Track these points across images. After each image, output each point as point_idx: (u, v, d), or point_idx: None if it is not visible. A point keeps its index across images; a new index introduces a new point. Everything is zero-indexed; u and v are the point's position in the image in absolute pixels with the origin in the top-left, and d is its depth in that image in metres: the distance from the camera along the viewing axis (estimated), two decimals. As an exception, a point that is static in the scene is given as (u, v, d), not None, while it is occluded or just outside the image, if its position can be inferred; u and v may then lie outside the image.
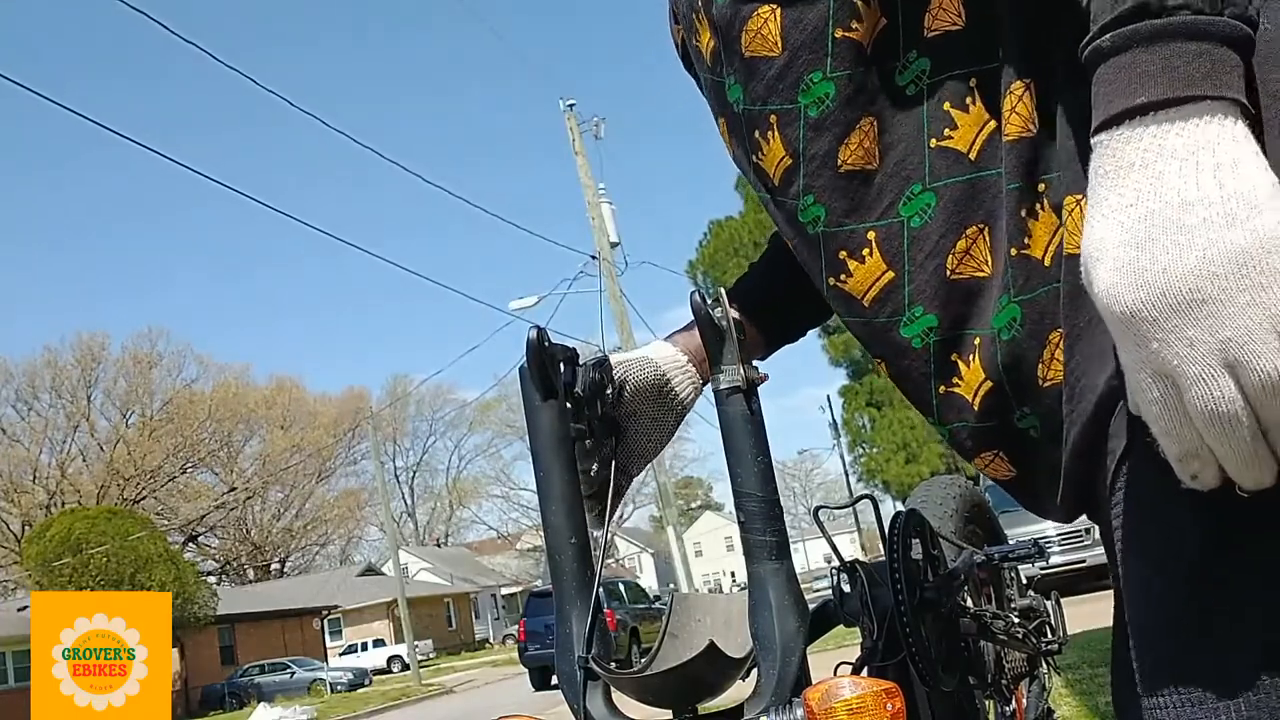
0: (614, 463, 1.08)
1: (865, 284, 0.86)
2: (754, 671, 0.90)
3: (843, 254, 0.87)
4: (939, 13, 0.79)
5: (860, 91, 0.82)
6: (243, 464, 56.65)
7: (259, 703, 24.51)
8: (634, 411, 1.12)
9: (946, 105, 0.80)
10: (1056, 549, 10.33)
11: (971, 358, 0.83)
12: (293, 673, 33.99)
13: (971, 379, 0.83)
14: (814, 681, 0.86)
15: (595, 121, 19.82)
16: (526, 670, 18.85)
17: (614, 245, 18.36)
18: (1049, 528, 10.19)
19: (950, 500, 1.50)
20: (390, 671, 39.94)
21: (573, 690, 0.95)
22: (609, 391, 1.08)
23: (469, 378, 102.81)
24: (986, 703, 1.36)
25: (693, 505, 78.09)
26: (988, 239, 0.80)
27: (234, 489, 54.46)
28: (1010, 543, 1.40)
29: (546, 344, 1.01)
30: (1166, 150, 0.57)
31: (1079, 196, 0.69)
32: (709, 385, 1.00)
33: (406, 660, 32.73)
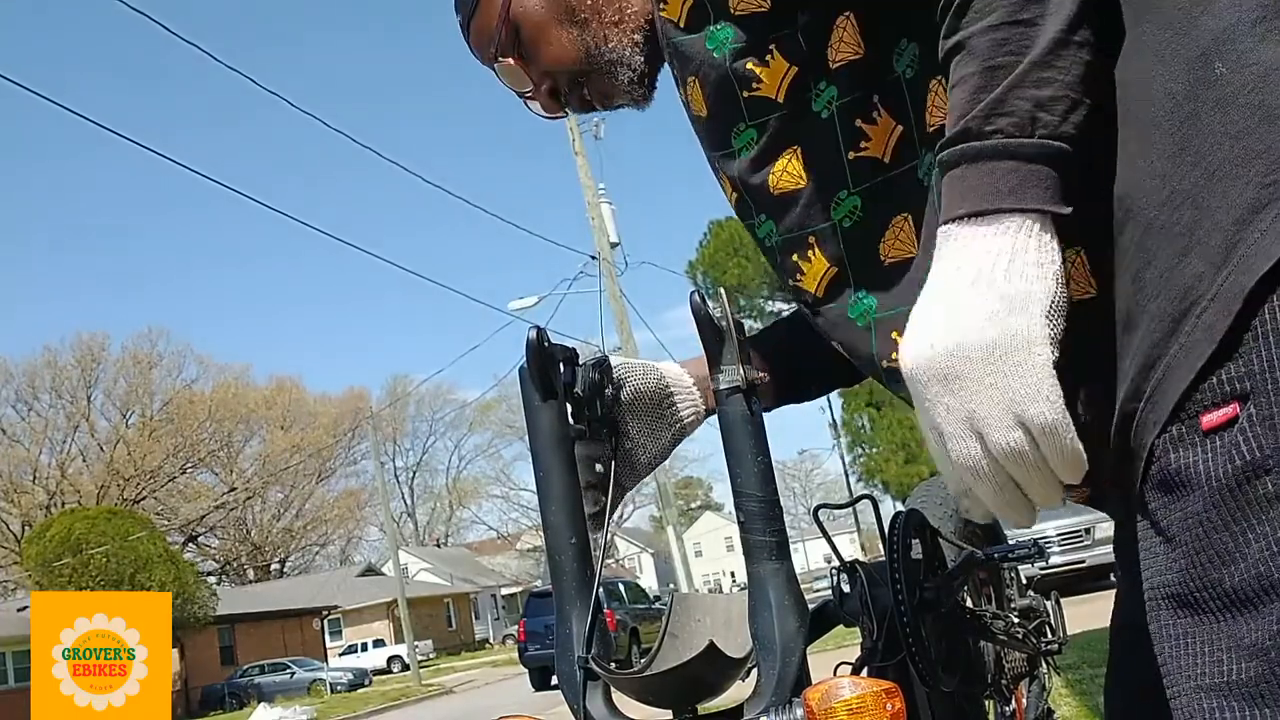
0: (614, 462, 1.08)
1: None
2: (754, 671, 0.90)
3: (895, 334, 0.93)
4: (934, 110, 0.88)
5: (883, 196, 0.91)
6: (243, 464, 56.62)
7: (259, 703, 24.49)
8: (629, 415, 1.12)
9: None
10: (1056, 549, 10.32)
11: None
12: (293, 673, 33.97)
13: None
14: (814, 681, 0.86)
15: (595, 122, 19.81)
16: (526, 670, 18.83)
17: (614, 245, 18.34)
18: (1049, 528, 10.19)
19: (950, 500, 1.50)
20: (390, 672, 39.91)
21: (573, 690, 0.95)
22: (608, 391, 1.08)
23: (469, 378, 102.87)
24: (986, 703, 1.36)
25: (693, 505, 78.03)
26: None
27: (234, 489, 54.42)
28: (1010, 543, 1.40)
29: (546, 344, 1.01)
30: (967, 253, 0.71)
31: (1077, 249, 0.77)
32: (710, 416, 1.04)
33: (406, 660, 32.71)
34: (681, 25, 0.95)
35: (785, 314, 1.24)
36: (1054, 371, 0.68)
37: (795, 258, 0.98)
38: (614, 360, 1.14)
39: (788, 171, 0.95)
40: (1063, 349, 0.70)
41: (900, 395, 0.96)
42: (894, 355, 0.92)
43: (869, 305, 0.95)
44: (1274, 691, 0.65)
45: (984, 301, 0.69)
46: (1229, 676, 0.67)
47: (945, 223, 0.72)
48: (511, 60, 1.07)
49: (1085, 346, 0.76)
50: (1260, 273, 0.66)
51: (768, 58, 0.91)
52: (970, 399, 0.69)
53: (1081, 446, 0.70)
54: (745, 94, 0.94)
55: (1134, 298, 0.73)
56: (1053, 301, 0.69)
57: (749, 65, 0.92)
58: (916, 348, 0.72)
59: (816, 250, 0.97)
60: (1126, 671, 0.99)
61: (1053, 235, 0.70)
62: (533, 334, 1.00)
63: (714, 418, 1.08)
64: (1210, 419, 0.68)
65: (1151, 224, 0.71)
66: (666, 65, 1.03)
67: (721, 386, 0.95)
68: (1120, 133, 0.74)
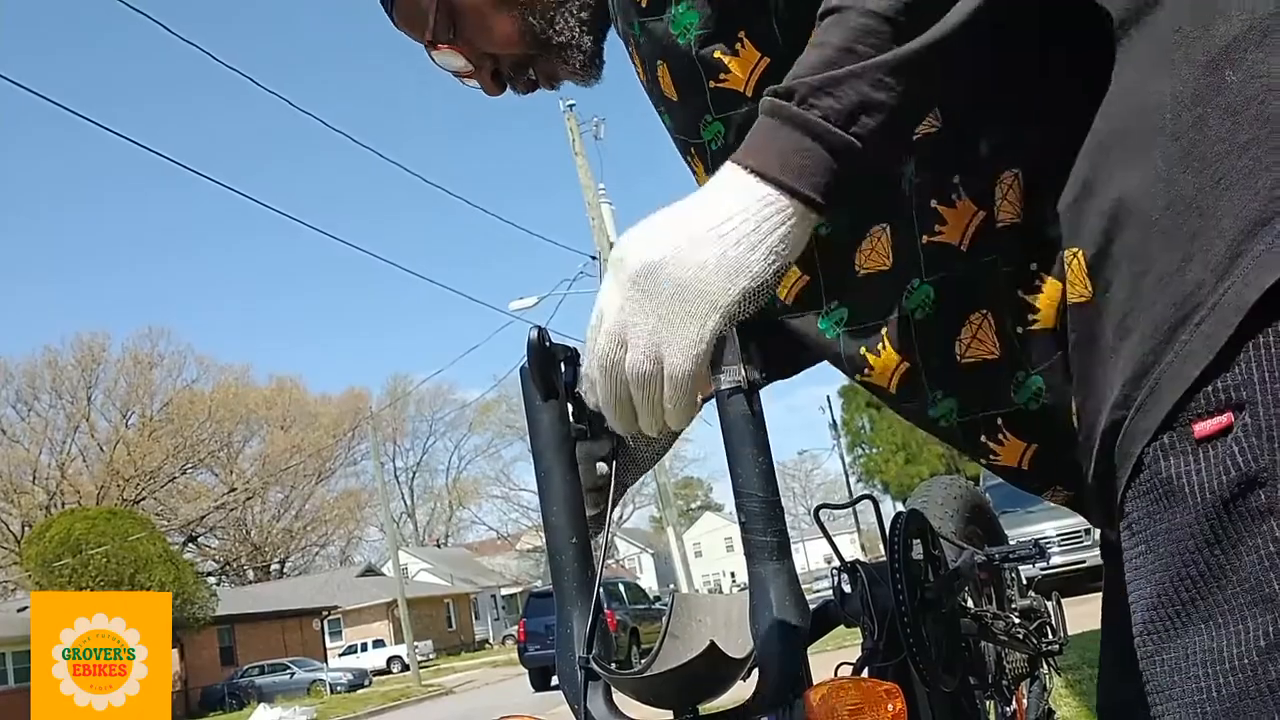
0: (614, 462, 1.08)
1: (1013, 457, 0.91)
2: (754, 672, 0.90)
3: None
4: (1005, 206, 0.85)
5: (959, 287, 0.88)
6: (243, 464, 56.63)
7: (259, 703, 24.50)
8: None
9: (934, 203, 0.87)
10: (1056, 549, 10.32)
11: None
12: (292, 673, 33.97)
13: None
14: (814, 681, 0.86)
15: (595, 122, 19.81)
16: (526, 671, 18.83)
17: (614, 245, 18.32)
18: (1049, 528, 10.20)
19: (951, 500, 1.50)
20: (390, 672, 39.91)
21: (573, 691, 0.95)
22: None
23: (469, 378, 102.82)
24: (987, 703, 1.36)
25: (693, 506, 78.04)
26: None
27: (234, 489, 54.42)
28: (1010, 543, 1.40)
29: (547, 344, 1.01)
30: (731, 199, 0.73)
31: (1075, 250, 0.76)
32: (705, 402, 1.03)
33: (406, 661, 32.71)
34: (644, 6, 0.91)
35: None
36: (713, 341, 0.74)
37: (863, 350, 0.96)
38: None
39: (877, 251, 0.91)
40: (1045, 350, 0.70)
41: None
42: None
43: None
44: (1255, 707, 0.64)
45: (707, 250, 0.72)
46: (1211, 691, 0.66)
47: (736, 160, 0.74)
48: (448, 47, 1.02)
49: (1079, 349, 0.75)
50: (1265, 286, 0.64)
51: (737, 46, 0.88)
52: (639, 313, 0.74)
53: (694, 410, 0.77)
54: (712, 84, 0.90)
55: (1130, 302, 0.71)
56: (760, 287, 0.73)
57: (716, 54, 0.88)
58: (643, 243, 0.75)
59: (885, 343, 0.94)
60: (1114, 677, 1.00)
61: (805, 229, 0.73)
62: (534, 334, 1.00)
63: (715, 417, 1.08)
64: (1203, 427, 0.66)
65: (1152, 228, 0.70)
66: (622, 44, 0.99)
67: (722, 386, 0.95)
68: (1116, 138, 0.74)
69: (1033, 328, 0.84)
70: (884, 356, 0.92)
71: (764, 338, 1.13)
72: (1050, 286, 0.82)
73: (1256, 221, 0.65)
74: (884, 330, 0.91)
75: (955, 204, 0.85)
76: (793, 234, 0.72)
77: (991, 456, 0.91)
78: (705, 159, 0.97)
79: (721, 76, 0.89)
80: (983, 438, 0.90)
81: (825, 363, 1.09)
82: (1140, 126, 0.72)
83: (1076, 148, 0.76)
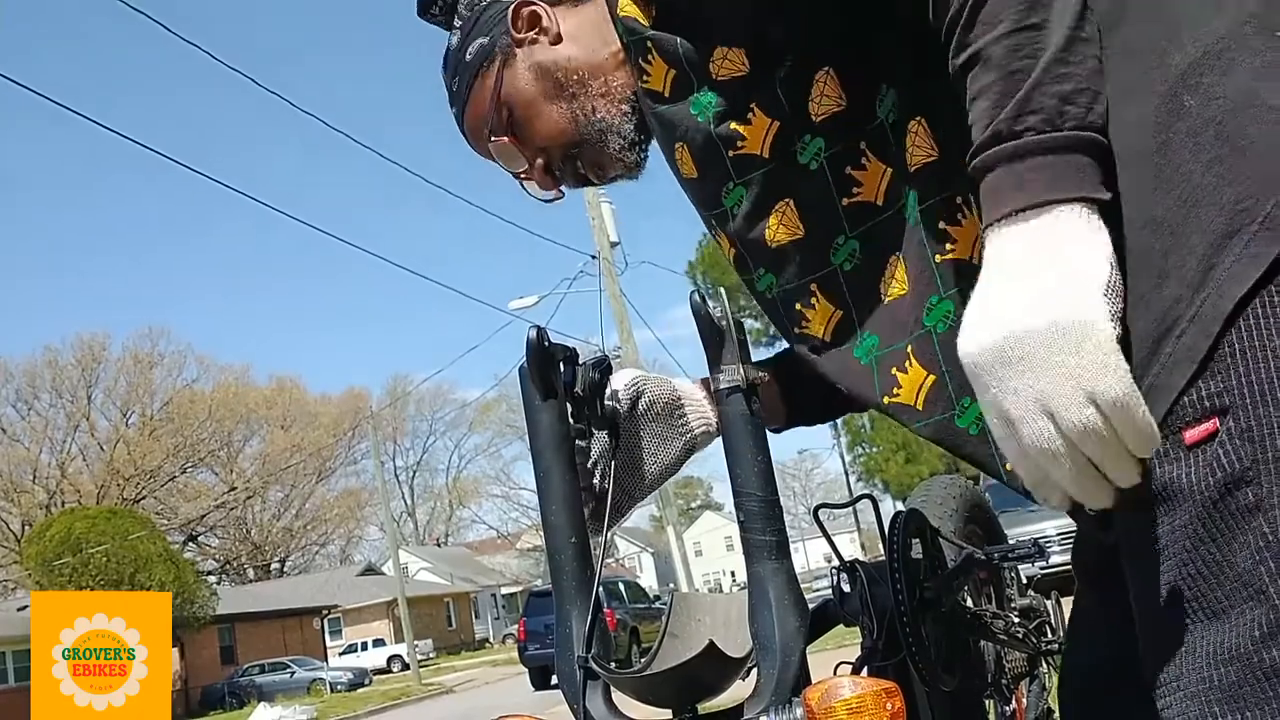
0: (614, 462, 1.08)
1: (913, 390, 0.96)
2: (754, 671, 0.90)
3: (894, 370, 0.96)
4: (914, 150, 0.90)
5: (881, 236, 0.94)
6: (243, 464, 56.62)
7: (259, 703, 24.50)
8: (644, 425, 1.14)
9: (941, 224, 0.90)
10: (1056, 549, 10.30)
11: None
12: (293, 672, 33.97)
13: None
14: (814, 681, 0.86)
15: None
16: (526, 670, 18.83)
17: (614, 245, 18.32)
18: (1049, 527, 10.19)
19: (950, 500, 1.50)
20: (390, 671, 39.92)
21: (572, 690, 0.95)
22: (610, 394, 1.08)
23: (469, 378, 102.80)
24: (986, 703, 1.36)
25: (693, 505, 78.04)
26: None
27: (234, 489, 54.41)
28: (1010, 542, 1.40)
29: (546, 344, 1.01)
30: (1018, 242, 0.71)
31: None
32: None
33: (406, 660, 32.73)
34: (666, 95, 0.99)
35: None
36: (1118, 347, 0.68)
37: (799, 306, 1.01)
38: (631, 372, 1.15)
39: (783, 225, 0.98)
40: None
41: (911, 429, 0.99)
42: (895, 390, 0.97)
43: (872, 343, 0.98)
44: (1253, 694, 0.68)
45: (1041, 282, 0.69)
46: (1213, 681, 0.70)
47: (988, 226, 0.73)
48: (506, 139, 1.11)
49: None
50: (1236, 297, 0.70)
51: (749, 116, 0.95)
52: (1038, 379, 0.68)
53: (1153, 419, 0.68)
54: (730, 153, 0.97)
55: None
56: (1109, 281, 0.69)
57: (732, 126, 0.96)
58: (976, 336, 0.72)
59: (819, 296, 1.00)
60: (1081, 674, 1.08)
61: (1099, 220, 0.71)
62: (533, 333, 1.01)
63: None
64: (1192, 434, 0.71)
65: (1130, 250, 0.74)
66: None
67: (721, 386, 0.95)
68: None
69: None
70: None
71: (792, 389, 1.17)
72: None
73: (1224, 235, 0.70)
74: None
75: (962, 223, 0.89)
76: (1093, 225, 0.71)
77: None
78: (728, 225, 1.02)
79: (739, 144, 0.96)
80: None
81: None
82: (1114, 150, 0.76)
83: None
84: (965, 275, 0.88)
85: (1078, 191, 0.71)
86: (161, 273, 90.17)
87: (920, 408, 0.96)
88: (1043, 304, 0.68)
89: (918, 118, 0.89)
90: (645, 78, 1.01)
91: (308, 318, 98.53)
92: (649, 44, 0.98)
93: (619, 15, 1.00)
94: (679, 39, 0.96)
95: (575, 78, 1.06)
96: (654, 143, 1.08)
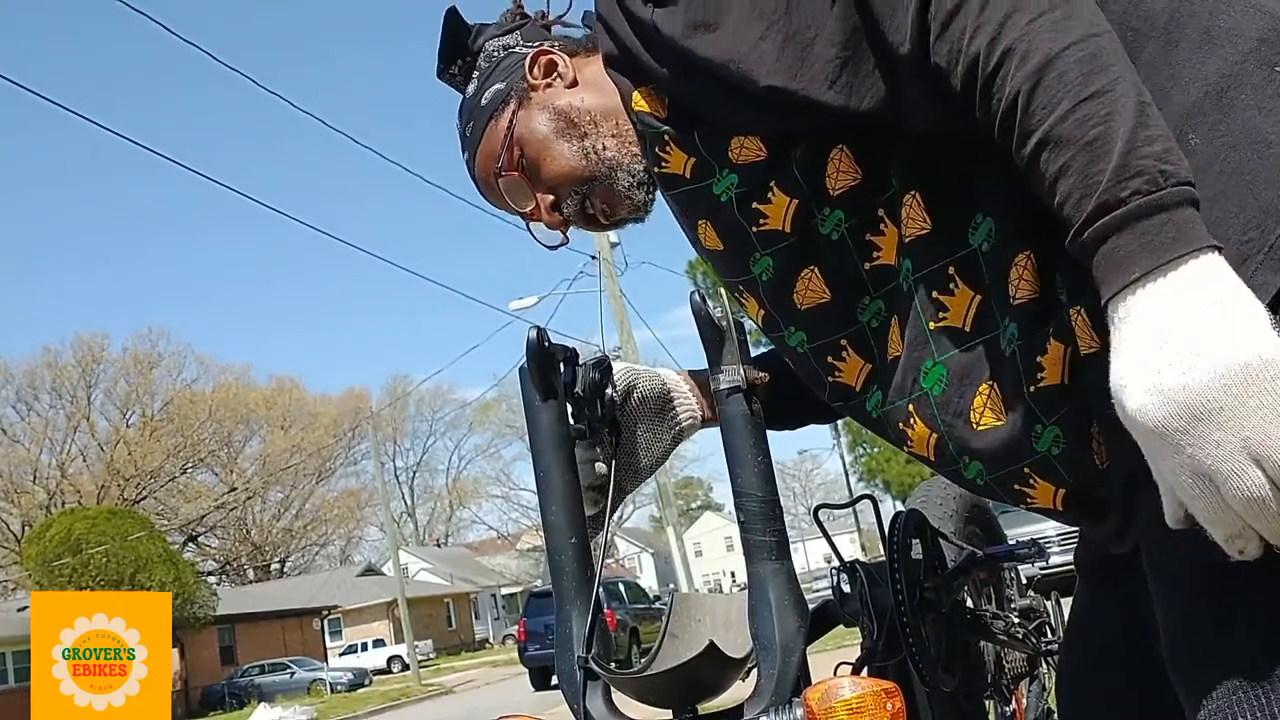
0: (614, 461, 1.08)
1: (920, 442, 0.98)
2: (754, 671, 0.90)
3: (1017, 486, 0.95)
4: (909, 222, 0.93)
5: (894, 298, 0.97)
6: (243, 464, 56.55)
7: (259, 703, 24.48)
8: (636, 418, 1.15)
9: (935, 294, 0.92)
10: (1056, 549, 10.28)
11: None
12: (293, 673, 33.95)
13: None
14: (814, 681, 0.86)
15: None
16: (526, 670, 18.82)
17: (614, 245, 18.32)
18: (1049, 528, 10.18)
19: (950, 500, 1.50)
20: (390, 671, 39.89)
21: (573, 690, 0.95)
22: (610, 392, 1.09)
23: (469, 378, 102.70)
24: (986, 703, 1.36)
25: (693, 505, 78.01)
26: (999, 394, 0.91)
27: (234, 489, 54.36)
28: (1010, 543, 1.40)
29: (546, 344, 1.01)
30: (1165, 301, 0.68)
31: (1078, 307, 0.83)
32: (706, 426, 1.11)
33: (406, 660, 32.71)
34: (687, 177, 1.01)
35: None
36: None
37: (830, 359, 1.03)
38: (621, 366, 1.15)
39: (811, 289, 1.00)
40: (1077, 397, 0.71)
41: (942, 472, 1.01)
42: (908, 445, 0.99)
43: (876, 400, 1.01)
44: (1248, 698, 0.73)
45: (1210, 330, 0.66)
46: (1240, 691, 0.74)
47: (1114, 295, 0.71)
48: (516, 174, 1.12)
49: (1096, 393, 0.79)
50: None
51: (770, 195, 0.97)
52: (1241, 426, 0.65)
53: None
54: (754, 229, 1.00)
55: None
56: (1270, 316, 0.68)
57: (754, 205, 0.99)
58: (1152, 402, 0.68)
59: (850, 350, 1.02)
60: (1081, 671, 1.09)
61: (1226, 270, 0.69)
62: (533, 334, 1.01)
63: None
64: None
65: None
66: (662, 198, 1.09)
67: (722, 386, 0.95)
68: None
69: (1042, 385, 0.87)
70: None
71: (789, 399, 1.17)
72: (1054, 348, 0.86)
73: (1233, 263, 0.71)
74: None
75: (954, 293, 0.91)
76: (1229, 268, 0.69)
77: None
78: (757, 292, 1.03)
79: (761, 222, 0.99)
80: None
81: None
82: None
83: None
84: (958, 341, 0.91)
85: (1205, 241, 0.69)
86: (161, 273, 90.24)
87: (933, 459, 0.98)
88: (1222, 351, 0.66)
89: (912, 191, 0.92)
90: (663, 164, 1.02)
91: (307, 318, 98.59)
92: (666, 137, 1.00)
93: (633, 110, 1.02)
94: (695, 132, 0.98)
95: (589, 118, 1.07)
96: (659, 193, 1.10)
